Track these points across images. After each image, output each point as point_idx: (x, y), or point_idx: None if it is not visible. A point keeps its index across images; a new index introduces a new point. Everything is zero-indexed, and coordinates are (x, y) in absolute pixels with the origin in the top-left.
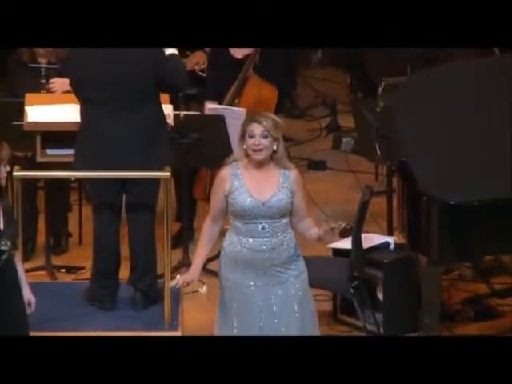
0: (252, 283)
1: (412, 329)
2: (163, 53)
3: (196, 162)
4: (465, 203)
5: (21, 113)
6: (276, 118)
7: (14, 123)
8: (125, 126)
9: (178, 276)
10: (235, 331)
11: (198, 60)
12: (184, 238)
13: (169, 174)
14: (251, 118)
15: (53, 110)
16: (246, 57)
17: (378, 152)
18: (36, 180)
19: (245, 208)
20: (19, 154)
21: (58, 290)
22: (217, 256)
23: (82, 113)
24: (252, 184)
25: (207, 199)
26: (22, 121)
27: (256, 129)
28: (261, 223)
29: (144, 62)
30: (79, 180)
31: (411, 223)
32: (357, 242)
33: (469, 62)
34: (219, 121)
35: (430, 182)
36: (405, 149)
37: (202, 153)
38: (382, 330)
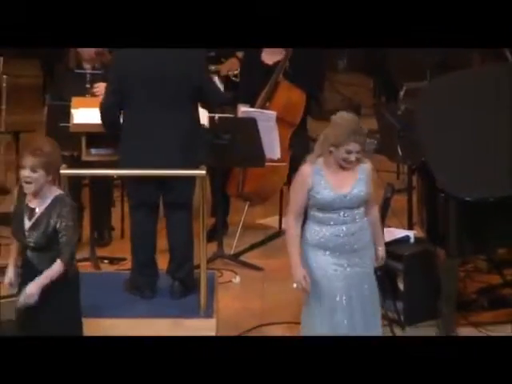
0: (334, 267)
1: (430, 317)
2: (205, 63)
3: (229, 162)
4: (480, 200)
5: (67, 115)
6: (365, 130)
7: (61, 125)
8: (164, 128)
9: (294, 285)
10: (321, 309)
11: (231, 66)
12: (218, 232)
13: (204, 172)
14: (352, 135)
15: (97, 112)
16: (277, 63)
17: (400, 152)
18: (81, 177)
19: (328, 200)
20: (66, 153)
21: (102, 280)
22: (248, 249)
23: (126, 114)
24: (333, 179)
25: (239, 196)
26: (69, 123)
27: (355, 148)
28: (341, 212)
29: (187, 69)
30: (121, 178)
31: (430, 219)
32: None
33: (484, 68)
34: (251, 123)
35: (448, 181)
36: (424, 150)
37: (234, 153)
38: (402, 318)
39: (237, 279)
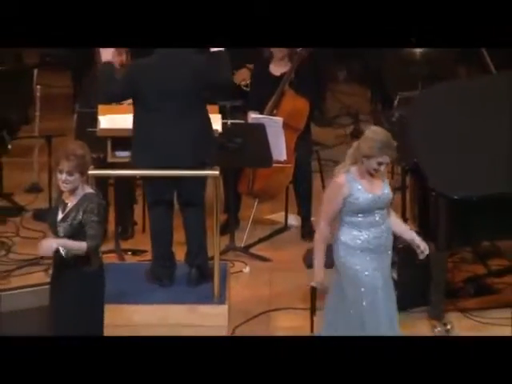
0: (371, 268)
1: (421, 303)
2: (210, 58)
3: (240, 163)
4: (465, 198)
5: (95, 121)
6: (394, 145)
7: (89, 130)
8: (178, 131)
9: (313, 283)
10: (365, 308)
11: (243, 77)
12: (230, 227)
13: (217, 172)
14: (385, 149)
15: (121, 118)
16: (283, 74)
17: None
18: (107, 177)
19: (367, 203)
20: (93, 155)
21: (126, 270)
22: (257, 242)
23: (139, 119)
24: (366, 184)
25: (249, 194)
26: (96, 128)
27: (385, 160)
28: (376, 214)
29: (197, 74)
30: (141, 178)
31: (421, 215)
32: None
33: (469, 80)
34: (260, 128)
35: (438, 180)
36: (416, 152)
37: (245, 154)
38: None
39: (247, 269)
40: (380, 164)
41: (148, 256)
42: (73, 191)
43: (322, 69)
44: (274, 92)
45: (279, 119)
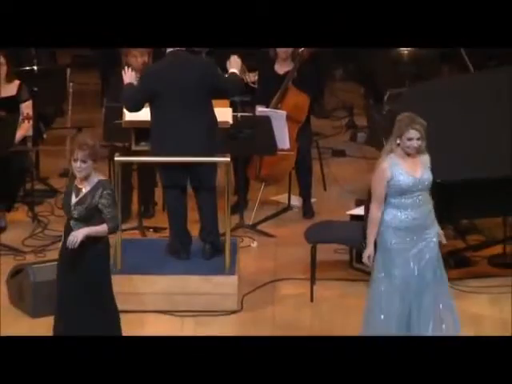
0: (408, 246)
1: None
2: (218, 70)
3: (249, 150)
4: (448, 182)
5: (120, 114)
6: (424, 122)
7: (115, 122)
8: (188, 125)
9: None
10: (397, 280)
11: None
12: (240, 207)
13: (229, 159)
14: (410, 125)
15: (143, 112)
16: (287, 73)
17: (384, 143)
18: (131, 163)
19: (408, 184)
20: (119, 144)
21: (148, 245)
22: (264, 220)
23: (155, 116)
24: (407, 166)
25: (257, 178)
26: (121, 120)
27: (415, 135)
28: (417, 196)
29: (203, 76)
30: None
31: None
32: (368, 209)
33: (450, 78)
34: (266, 120)
35: None
36: None
37: (253, 143)
38: None
39: (254, 244)
40: (410, 139)
41: (167, 233)
42: (86, 177)
43: (321, 68)
44: (278, 88)
45: (283, 112)
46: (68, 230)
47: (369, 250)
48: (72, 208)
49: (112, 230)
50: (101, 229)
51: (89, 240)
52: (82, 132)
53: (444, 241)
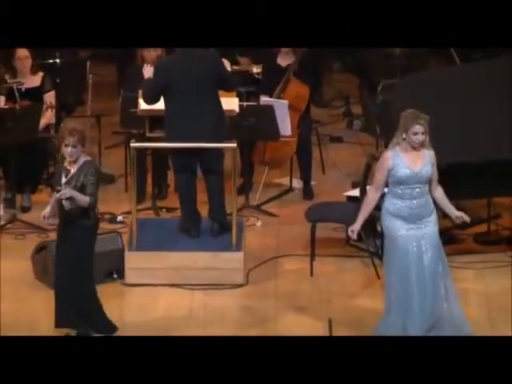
0: (404, 231)
1: None
2: (221, 60)
3: (254, 137)
4: (437, 166)
5: (136, 103)
6: (427, 117)
7: (131, 110)
8: (199, 113)
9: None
10: (395, 263)
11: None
12: (245, 189)
13: (235, 145)
14: (415, 120)
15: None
16: (288, 65)
17: (378, 130)
18: (146, 149)
19: (406, 176)
20: (134, 131)
21: (161, 224)
22: (267, 201)
23: (168, 105)
24: (408, 160)
25: (261, 162)
26: (137, 109)
27: (420, 129)
28: (414, 188)
29: (211, 68)
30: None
31: None
32: (363, 191)
33: (437, 70)
34: (269, 109)
35: None
36: (396, 128)
37: (257, 130)
38: (379, 252)
39: (259, 223)
40: (415, 134)
41: (179, 213)
42: (75, 160)
43: (320, 61)
44: (281, 80)
45: (285, 102)
46: (62, 209)
47: (355, 226)
48: (62, 187)
49: (90, 204)
50: (83, 198)
51: (78, 216)
52: (69, 120)
53: (462, 220)
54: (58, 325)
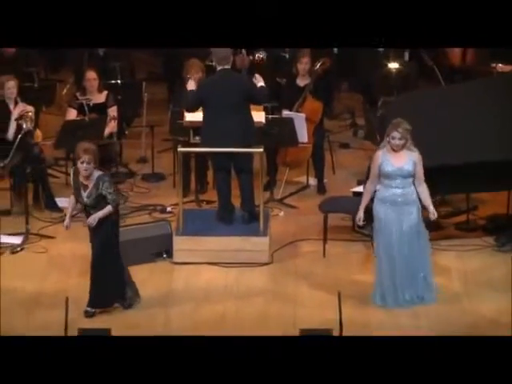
0: (388, 212)
1: None
2: (253, 82)
3: (277, 143)
4: (425, 167)
5: (182, 116)
6: (408, 126)
7: (178, 122)
8: (232, 123)
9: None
10: (382, 240)
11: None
12: (271, 185)
13: (262, 150)
14: (395, 127)
15: (199, 114)
16: (306, 85)
17: (378, 138)
18: (190, 153)
19: (391, 171)
20: (181, 138)
21: (202, 214)
22: (288, 196)
23: (206, 116)
24: (393, 158)
25: (283, 163)
26: (183, 120)
27: (396, 135)
28: (396, 180)
29: (242, 87)
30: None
31: None
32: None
33: (424, 90)
34: (290, 120)
35: None
36: None
37: (280, 138)
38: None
39: (281, 213)
40: (393, 138)
41: (216, 204)
42: (89, 176)
43: (331, 82)
44: (299, 97)
45: (303, 115)
46: (87, 214)
47: (359, 214)
48: (84, 200)
49: (114, 209)
50: (107, 210)
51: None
52: (86, 141)
53: (433, 216)
54: (92, 305)
